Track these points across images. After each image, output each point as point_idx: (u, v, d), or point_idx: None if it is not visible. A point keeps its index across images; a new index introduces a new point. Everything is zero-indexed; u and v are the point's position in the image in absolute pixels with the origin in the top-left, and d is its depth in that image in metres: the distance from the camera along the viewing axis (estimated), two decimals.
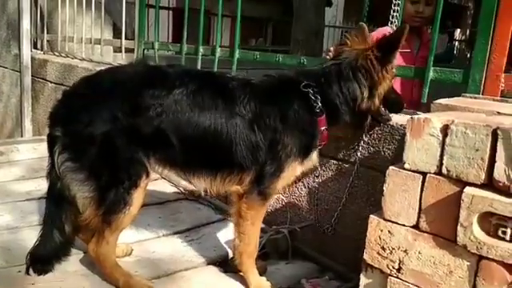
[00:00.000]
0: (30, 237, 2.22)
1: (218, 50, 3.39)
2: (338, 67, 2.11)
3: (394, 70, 2.12)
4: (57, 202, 2.13)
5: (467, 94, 2.08)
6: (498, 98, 2.01)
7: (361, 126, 2.27)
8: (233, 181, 2.11)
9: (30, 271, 2.10)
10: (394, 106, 2.22)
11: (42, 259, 2.13)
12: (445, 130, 1.45)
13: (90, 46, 4.70)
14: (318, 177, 2.70)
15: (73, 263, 2.22)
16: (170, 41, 6.93)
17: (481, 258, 1.39)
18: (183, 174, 2.17)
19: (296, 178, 2.51)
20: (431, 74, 2.40)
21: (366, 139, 2.43)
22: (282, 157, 2.06)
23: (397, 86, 2.75)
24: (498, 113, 1.67)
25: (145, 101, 2.00)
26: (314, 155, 2.22)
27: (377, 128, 2.38)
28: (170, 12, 7.64)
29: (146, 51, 4.10)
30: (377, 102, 2.10)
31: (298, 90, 2.09)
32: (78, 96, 2.08)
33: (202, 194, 2.25)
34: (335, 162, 2.61)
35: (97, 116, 1.99)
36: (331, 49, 2.70)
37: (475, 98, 2.03)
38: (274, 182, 2.10)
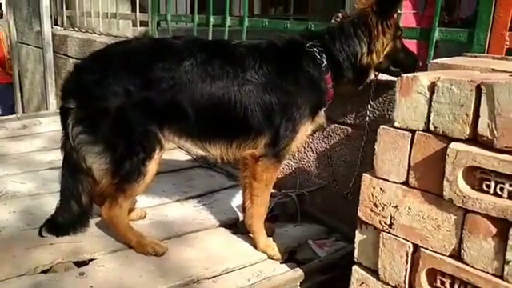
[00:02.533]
0: (51, 202, 2.37)
1: (228, 18, 3.41)
2: (341, 26, 2.18)
3: (394, 28, 2.13)
4: (73, 173, 2.25)
5: (468, 54, 2.06)
6: (498, 56, 1.99)
7: (362, 84, 2.28)
8: (248, 146, 2.18)
9: (45, 232, 2.25)
10: (405, 65, 2.22)
11: (59, 229, 2.27)
12: (432, 87, 1.47)
13: (107, 20, 4.79)
14: (325, 142, 2.74)
15: (90, 226, 2.36)
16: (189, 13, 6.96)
17: (466, 211, 1.42)
18: (199, 143, 2.24)
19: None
20: (436, 35, 2.38)
21: (372, 103, 2.45)
22: (296, 117, 2.13)
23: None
24: (493, 70, 1.66)
25: (156, 74, 2.07)
26: (322, 113, 2.27)
27: (382, 92, 2.40)
28: None
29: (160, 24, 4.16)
30: (375, 57, 2.13)
31: (305, 51, 2.15)
32: (89, 70, 2.15)
33: (219, 161, 2.31)
34: (342, 126, 2.65)
35: (110, 90, 2.06)
36: (339, 14, 2.70)
37: (475, 56, 2.01)
38: (289, 144, 2.17)
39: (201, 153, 2.86)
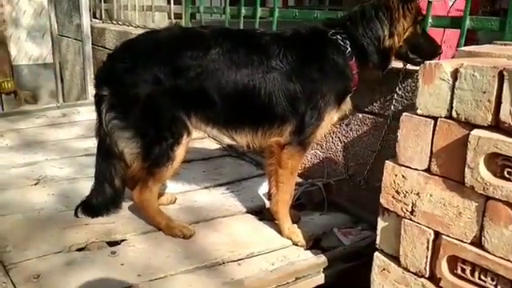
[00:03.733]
0: (87, 186, 2.48)
1: (259, 10, 3.44)
2: (362, 9, 2.18)
3: (414, 11, 2.14)
4: (106, 157, 2.35)
5: (498, 42, 2.02)
6: None
7: (385, 69, 2.27)
8: (274, 133, 2.22)
9: (80, 213, 2.37)
10: (424, 51, 2.20)
11: (93, 210, 2.38)
12: (455, 73, 1.46)
13: (143, 13, 4.91)
14: (353, 131, 2.75)
15: (122, 209, 2.47)
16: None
17: (488, 198, 1.42)
18: (225, 131, 2.30)
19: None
20: (468, 23, 2.34)
21: (399, 92, 2.44)
22: (321, 105, 2.15)
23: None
24: None
25: (184, 62, 2.13)
26: (348, 100, 2.29)
27: (410, 80, 2.38)
28: None
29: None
30: (396, 40, 2.14)
31: (328, 38, 2.17)
32: (121, 59, 2.24)
33: (245, 148, 2.37)
34: (370, 116, 2.64)
35: (141, 78, 2.15)
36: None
37: (505, 44, 1.97)
38: (314, 132, 2.20)
39: (228, 141, 2.96)
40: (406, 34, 2.14)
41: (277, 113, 2.16)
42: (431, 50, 2.22)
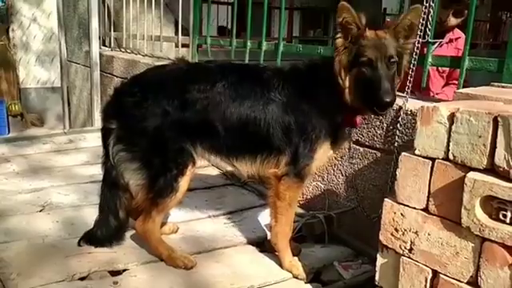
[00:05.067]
0: (91, 214, 2.52)
1: (264, 43, 3.54)
2: None
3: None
4: (112, 189, 2.39)
5: (495, 83, 2.08)
6: None
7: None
8: (271, 163, 2.27)
9: (83, 243, 2.40)
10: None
11: (97, 242, 2.40)
12: (451, 117, 1.52)
13: (151, 42, 5.03)
14: (355, 165, 2.79)
15: (124, 238, 2.49)
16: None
17: (484, 239, 1.45)
18: (227, 159, 2.37)
19: (329, 160, 2.63)
20: (466, 63, 2.41)
21: (400, 128, 2.49)
22: (313, 137, 2.20)
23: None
24: None
25: (192, 95, 2.22)
26: (345, 134, 2.32)
27: (410, 117, 2.44)
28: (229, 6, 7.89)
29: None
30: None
31: (322, 73, 2.19)
32: (130, 93, 2.30)
33: (245, 176, 2.42)
34: (372, 150, 2.69)
35: (150, 110, 2.22)
36: None
37: (503, 87, 2.03)
38: (309, 163, 2.24)
39: (230, 169, 3.00)
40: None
41: (274, 143, 2.22)
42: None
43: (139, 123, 2.21)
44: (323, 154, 2.28)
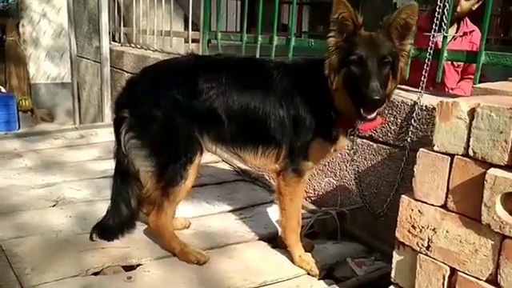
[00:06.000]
0: (104, 209, 2.52)
1: (276, 38, 3.52)
2: None
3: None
4: (123, 178, 2.42)
5: None
6: None
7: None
8: (271, 155, 2.29)
9: (95, 237, 2.41)
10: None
11: (109, 231, 2.42)
12: (471, 113, 1.49)
13: (161, 37, 5.02)
14: (368, 161, 2.77)
15: (137, 233, 2.51)
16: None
17: (504, 237, 1.43)
18: (232, 149, 2.39)
19: (329, 156, 2.64)
20: (483, 58, 2.38)
21: (414, 124, 2.46)
22: (304, 133, 2.20)
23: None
24: None
25: (200, 85, 2.26)
26: (342, 135, 2.25)
27: (425, 113, 2.41)
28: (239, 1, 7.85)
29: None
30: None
31: (319, 69, 2.12)
32: (142, 82, 2.37)
33: (248, 166, 2.44)
34: (385, 146, 2.67)
35: (160, 98, 2.26)
36: None
37: None
38: (305, 159, 2.24)
39: (240, 164, 3.00)
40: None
41: (271, 133, 2.24)
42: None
43: (150, 110, 2.25)
44: (318, 150, 2.26)
